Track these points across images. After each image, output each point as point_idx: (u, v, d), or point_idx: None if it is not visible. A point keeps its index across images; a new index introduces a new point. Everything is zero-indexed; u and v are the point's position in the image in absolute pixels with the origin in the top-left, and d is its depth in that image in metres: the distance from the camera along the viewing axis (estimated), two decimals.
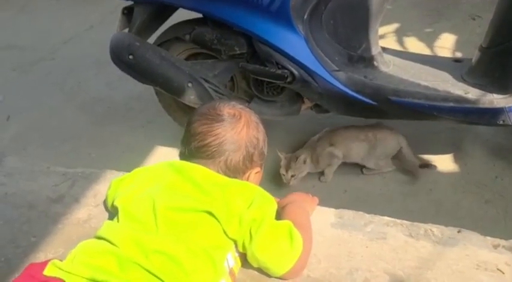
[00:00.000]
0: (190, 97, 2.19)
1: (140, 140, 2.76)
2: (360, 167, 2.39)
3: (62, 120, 3.05)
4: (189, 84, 2.16)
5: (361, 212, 1.27)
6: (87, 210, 1.35)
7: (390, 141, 2.32)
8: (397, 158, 2.37)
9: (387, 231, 1.19)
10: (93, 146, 2.78)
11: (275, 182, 2.36)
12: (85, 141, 2.83)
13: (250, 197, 1.08)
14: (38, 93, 3.35)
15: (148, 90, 2.65)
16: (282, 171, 2.27)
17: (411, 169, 2.32)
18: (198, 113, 1.19)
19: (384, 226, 1.21)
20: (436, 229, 1.20)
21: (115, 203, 1.10)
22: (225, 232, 1.02)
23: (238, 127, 1.14)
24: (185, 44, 2.29)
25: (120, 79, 3.17)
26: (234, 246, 1.07)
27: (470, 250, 1.13)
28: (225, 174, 1.13)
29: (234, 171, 1.14)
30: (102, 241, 1.00)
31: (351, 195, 2.27)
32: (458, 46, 3.26)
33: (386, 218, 1.25)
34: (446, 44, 3.29)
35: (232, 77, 2.34)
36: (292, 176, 2.24)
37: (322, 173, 2.38)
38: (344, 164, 2.39)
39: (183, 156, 1.17)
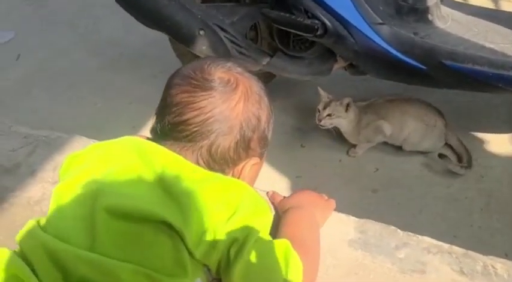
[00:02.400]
0: (202, 47, 1.85)
1: (150, 91, 2.40)
2: None
3: (72, 63, 2.81)
4: (201, 32, 1.82)
5: (393, 227, 0.93)
6: (41, 187, 1.08)
7: (442, 129, 1.95)
8: None
9: (428, 261, 0.85)
10: (100, 94, 2.53)
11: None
12: (92, 88, 2.58)
13: (235, 203, 0.75)
14: (50, 32, 3.11)
15: (166, 36, 2.36)
16: (320, 106, 1.94)
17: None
18: (180, 75, 0.85)
19: (424, 252, 0.87)
20: (500, 266, 0.84)
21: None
22: (190, 253, 0.72)
23: (233, 100, 0.80)
24: None
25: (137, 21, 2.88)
26: (205, 270, 0.77)
27: None
28: (208, 165, 0.81)
29: (220, 162, 0.81)
30: (12, 256, 0.71)
31: (383, 175, 1.94)
32: None
33: (427, 239, 0.90)
34: None
35: (256, 26, 1.98)
36: (328, 115, 1.91)
37: (352, 145, 2.04)
38: None
39: (154, 134, 0.85)
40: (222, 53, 1.86)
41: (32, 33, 3.12)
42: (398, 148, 2.01)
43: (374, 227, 0.92)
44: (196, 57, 2.12)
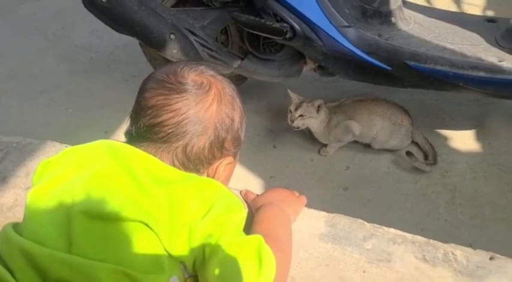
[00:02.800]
0: (173, 51, 1.87)
1: (122, 95, 2.46)
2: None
3: (42, 68, 2.79)
4: (171, 36, 1.84)
5: (360, 220, 0.97)
6: (14, 193, 1.08)
7: (409, 127, 2.02)
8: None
9: (393, 251, 0.90)
10: (71, 99, 2.52)
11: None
12: (63, 94, 2.57)
13: (209, 201, 0.79)
14: (19, 38, 3.10)
15: (136, 40, 2.37)
16: (291, 107, 1.97)
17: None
18: (154, 79, 0.87)
19: (389, 243, 0.91)
20: (460, 252, 0.89)
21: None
22: (166, 250, 0.74)
23: (206, 101, 0.84)
24: None
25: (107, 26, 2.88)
26: (182, 267, 0.79)
27: None
28: (183, 165, 0.84)
29: (195, 162, 0.84)
30: None
31: (354, 173, 1.99)
32: (490, 3, 2.86)
33: (393, 231, 0.95)
34: (476, 1, 2.88)
35: (226, 30, 2.01)
36: (300, 116, 1.94)
37: (323, 145, 2.09)
38: None
39: (129, 136, 0.88)
40: (193, 57, 1.88)
41: (0, 39, 3.08)
42: (367, 147, 2.07)
43: (343, 221, 0.97)
44: (168, 61, 2.14)
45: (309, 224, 0.97)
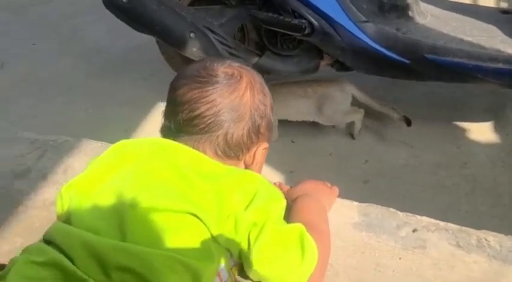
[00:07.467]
0: (193, 49, 1.90)
1: (141, 93, 2.49)
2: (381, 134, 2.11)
3: (58, 70, 2.81)
4: (191, 35, 1.87)
5: (392, 209, 1.00)
6: (55, 189, 1.10)
7: (334, 93, 2.04)
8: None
9: (427, 238, 0.92)
10: (89, 99, 2.54)
11: None
12: (81, 94, 2.59)
13: (251, 192, 0.81)
14: (33, 40, 3.11)
15: (152, 40, 2.39)
16: None
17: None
18: (184, 76, 0.91)
19: (423, 230, 0.94)
20: (492, 238, 0.92)
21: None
22: (214, 239, 0.77)
23: (240, 90, 0.88)
24: None
25: (121, 26, 2.88)
26: (228, 255, 0.82)
27: None
28: (224, 153, 0.87)
29: (235, 149, 0.88)
30: (49, 249, 0.76)
31: (372, 166, 2.01)
32: None
33: (426, 219, 0.98)
34: None
35: (242, 27, 2.04)
36: None
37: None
38: (365, 130, 2.12)
39: (168, 131, 0.91)
40: (213, 54, 1.91)
41: (14, 41, 3.11)
42: (385, 140, 2.09)
43: (376, 210, 1.00)
44: (186, 59, 2.18)
45: (342, 214, 0.99)
